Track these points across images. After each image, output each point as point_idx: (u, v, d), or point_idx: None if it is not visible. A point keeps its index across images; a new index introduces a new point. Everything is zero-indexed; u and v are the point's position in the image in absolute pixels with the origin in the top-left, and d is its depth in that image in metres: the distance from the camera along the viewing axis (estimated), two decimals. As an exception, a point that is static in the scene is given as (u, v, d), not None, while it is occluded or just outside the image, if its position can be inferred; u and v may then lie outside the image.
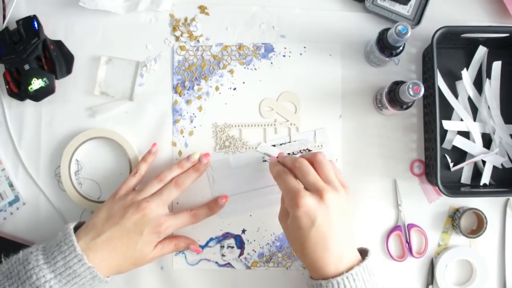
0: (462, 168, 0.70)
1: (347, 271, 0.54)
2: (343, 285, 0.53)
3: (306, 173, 0.57)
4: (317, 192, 0.55)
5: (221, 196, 0.68)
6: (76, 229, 0.60)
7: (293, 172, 0.59)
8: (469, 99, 0.70)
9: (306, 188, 0.56)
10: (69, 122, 0.70)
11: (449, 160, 0.69)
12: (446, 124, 0.69)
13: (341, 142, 0.71)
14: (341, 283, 0.53)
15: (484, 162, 0.69)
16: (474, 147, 0.69)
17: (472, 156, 0.69)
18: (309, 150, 0.70)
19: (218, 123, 0.71)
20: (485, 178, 0.69)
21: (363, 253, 0.58)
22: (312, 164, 0.58)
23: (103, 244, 0.58)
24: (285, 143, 0.70)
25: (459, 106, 0.69)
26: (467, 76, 0.69)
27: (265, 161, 0.70)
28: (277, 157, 0.65)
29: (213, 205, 0.67)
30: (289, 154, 0.70)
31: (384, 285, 0.58)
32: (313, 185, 0.56)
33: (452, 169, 0.69)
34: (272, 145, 0.69)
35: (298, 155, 0.63)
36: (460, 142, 0.69)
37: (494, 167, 0.69)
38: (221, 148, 0.70)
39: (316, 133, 0.70)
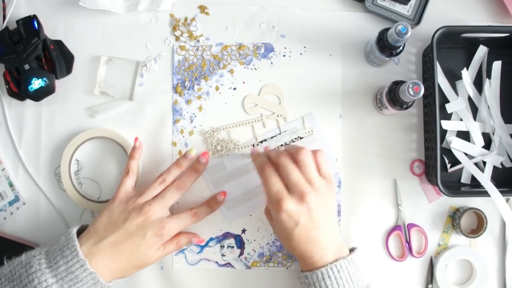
0: (462, 168, 0.70)
1: (332, 263, 0.56)
2: (327, 276, 0.55)
3: (289, 172, 0.57)
4: (299, 195, 0.56)
5: (220, 193, 0.68)
6: (79, 232, 0.60)
7: (276, 167, 0.59)
8: (469, 98, 0.70)
9: (287, 187, 0.57)
10: (69, 122, 0.70)
11: (447, 161, 0.69)
12: (445, 124, 0.69)
13: (341, 142, 0.71)
14: (325, 273, 0.55)
15: (484, 162, 0.69)
16: (472, 148, 0.69)
17: (472, 157, 0.69)
18: (300, 138, 0.70)
19: (205, 129, 0.70)
20: (486, 177, 0.69)
21: (352, 250, 0.60)
22: (294, 161, 0.58)
23: (106, 249, 0.58)
24: (275, 136, 0.70)
25: (460, 106, 0.69)
26: (467, 76, 0.69)
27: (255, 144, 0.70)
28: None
29: (212, 203, 0.67)
30: (285, 144, 0.70)
31: (371, 282, 0.59)
32: (295, 186, 0.56)
33: (450, 170, 0.69)
34: (264, 140, 0.70)
35: (283, 149, 0.64)
36: (458, 144, 0.69)
37: (494, 167, 0.69)
38: (214, 153, 0.70)
39: (304, 120, 0.70)
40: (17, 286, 0.55)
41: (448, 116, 0.70)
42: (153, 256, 0.61)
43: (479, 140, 0.69)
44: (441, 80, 0.70)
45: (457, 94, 0.70)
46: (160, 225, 0.61)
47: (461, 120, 0.70)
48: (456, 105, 0.69)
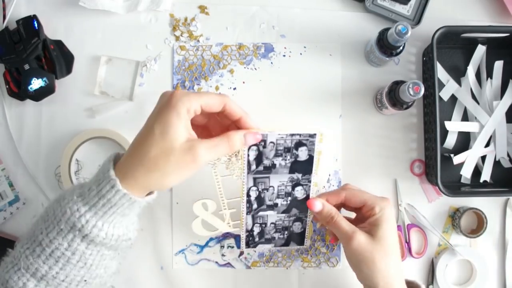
0: (462, 168, 0.70)
1: None
2: None
3: (361, 192, 0.61)
4: (386, 200, 0.59)
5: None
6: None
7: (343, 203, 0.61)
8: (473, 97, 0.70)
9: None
10: (69, 122, 0.70)
11: (452, 156, 0.69)
12: (448, 124, 0.69)
13: (341, 142, 0.71)
14: None
15: (484, 162, 0.70)
16: (471, 126, 0.69)
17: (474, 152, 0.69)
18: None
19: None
20: (485, 175, 0.69)
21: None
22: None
23: (127, 158, 0.49)
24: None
25: (453, 88, 0.69)
26: (472, 72, 0.69)
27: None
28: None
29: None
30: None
31: None
32: (374, 197, 0.59)
33: (455, 162, 0.68)
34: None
35: (334, 190, 0.63)
36: (455, 126, 0.69)
37: (494, 167, 0.69)
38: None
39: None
40: (52, 224, 0.49)
41: (448, 116, 0.70)
42: (177, 137, 0.48)
43: (480, 140, 0.69)
44: (443, 73, 0.70)
45: (457, 96, 0.70)
46: (168, 96, 0.49)
47: (462, 117, 0.70)
48: (450, 88, 0.69)
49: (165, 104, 0.49)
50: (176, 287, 0.69)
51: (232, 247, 0.70)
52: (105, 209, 0.48)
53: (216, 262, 0.70)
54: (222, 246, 0.70)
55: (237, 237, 0.70)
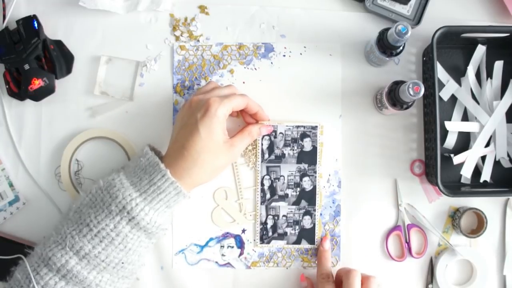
0: (462, 168, 0.70)
1: None
2: None
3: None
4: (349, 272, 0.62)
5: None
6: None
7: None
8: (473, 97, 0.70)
9: None
10: (69, 122, 0.70)
11: (452, 156, 0.69)
12: (448, 124, 0.69)
13: (341, 142, 0.71)
14: None
15: (484, 162, 0.69)
16: (471, 126, 0.69)
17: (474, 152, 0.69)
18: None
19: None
20: (485, 175, 0.69)
21: None
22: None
23: (172, 149, 0.59)
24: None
25: (453, 87, 0.69)
26: (472, 72, 0.69)
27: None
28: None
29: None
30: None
31: None
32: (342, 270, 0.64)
33: (455, 162, 0.68)
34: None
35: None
36: (456, 126, 0.69)
37: (494, 167, 0.69)
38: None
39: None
40: (100, 208, 0.56)
41: (448, 116, 0.70)
42: (220, 139, 0.59)
43: (480, 140, 0.69)
44: (443, 74, 0.70)
45: (457, 96, 0.70)
46: (206, 104, 0.59)
47: (462, 117, 0.70)
48: (450, 88, 0.69)
49: (205, 112, 0.58)
50: (176, 287, 0.69)
51: (232, 247, 0.70)
52: (153, 195, 0.56)
53: (216, 262, 0.70)
54: (222, 246, 0.70)
55: (237, 237, 0.70)
